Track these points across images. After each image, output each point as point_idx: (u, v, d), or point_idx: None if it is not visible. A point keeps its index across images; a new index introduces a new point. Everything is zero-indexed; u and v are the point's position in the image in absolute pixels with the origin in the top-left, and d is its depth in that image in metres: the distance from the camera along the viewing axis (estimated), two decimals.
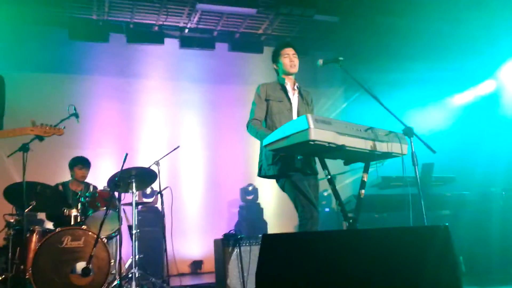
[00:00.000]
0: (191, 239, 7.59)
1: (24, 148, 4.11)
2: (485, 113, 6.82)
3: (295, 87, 3.85)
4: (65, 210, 4.71)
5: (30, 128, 3.85)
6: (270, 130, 3.49)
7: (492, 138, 6.46)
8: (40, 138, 3.93)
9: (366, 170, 3.52)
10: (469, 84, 6.99)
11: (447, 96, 7.27)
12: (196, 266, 7.57)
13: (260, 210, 7.81)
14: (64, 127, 4.05)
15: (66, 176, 5.78)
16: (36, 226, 4.66)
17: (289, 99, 3.76)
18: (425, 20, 7.10)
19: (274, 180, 3.72)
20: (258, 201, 7.88)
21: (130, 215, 5.06)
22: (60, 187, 5.41)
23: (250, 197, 7.84)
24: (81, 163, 5.60)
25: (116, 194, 4.88)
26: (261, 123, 3.71)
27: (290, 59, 3.78)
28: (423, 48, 7.44)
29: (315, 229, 3.38)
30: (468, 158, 6.46)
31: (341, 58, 3.62)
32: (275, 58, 3.88)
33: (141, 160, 6.04)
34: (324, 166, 3.31)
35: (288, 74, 3.83)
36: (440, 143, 5.99)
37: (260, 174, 3.75)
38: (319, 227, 3.51)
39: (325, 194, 8.05)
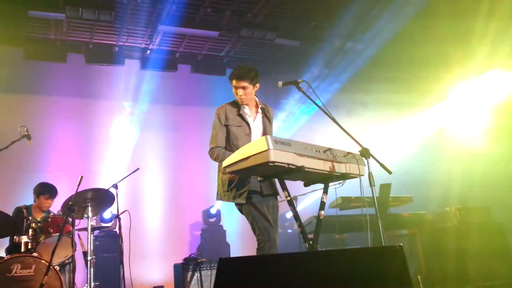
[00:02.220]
0: (151, 264, 7.38)
1: None
2: (439, 134, 7.08)
3: (258, 110, 3.78)
4: (15, 237, 4.47)
5: None
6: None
7: (446, 159, 6.69)
8: None
9: (325, 191, 3.54)
10: (423, 106, 7.25)
11: (403, 117, 7.51)
12: None
13: (222, 233, 7.73)
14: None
15: (18, 200, 5.51)
16: None
17: (247, 123, 3.69)
18: (382, 44, 7.37)
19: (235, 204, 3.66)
20: (220, 223, 7.80)
21: (84, 240, 4.86)
22: (25, 211, 5.11)
23: (212, 220, 7.75)
24: (49, 193, 5.29)
25: (70, 219, 4.68)
26: (223, 149, 3.63)
27: (238, 93, 3.66)
28: (380, 71, 7.70)
29: (273, 252, 3.33)
30: (424, 179, 6.65)
31: (299, 80, 3.65)
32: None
33: (98, 183, 5.87)
34: (284, 188, 3.31)
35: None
36: (397, 163, 6.17)
37: (217, 198, 3.71)
38: (280, 249, 3.49)
39: (287, 215, 8.07)
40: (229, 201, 3.60)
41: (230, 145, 3.64)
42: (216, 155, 3.58)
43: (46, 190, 5.30)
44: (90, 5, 6.63)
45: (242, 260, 2.25)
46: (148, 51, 8.20)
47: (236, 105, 3.74)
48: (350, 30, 7.40)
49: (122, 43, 7.89)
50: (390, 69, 7.23)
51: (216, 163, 3.70)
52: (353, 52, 7.90)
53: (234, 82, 3.66)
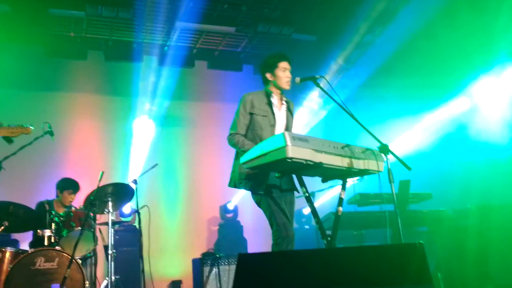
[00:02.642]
0: (169, 258, 7.48)
1: None
2: (460, 130, 6.96)
3: (283, 102, 3.76)
4: (39, 231, 4.57)
5: None
6: (255, 144, 3.37)
7: (468, 155, 6.57)
8: (8, 139, 3.74)
9: (343, 187, 3.53)
10: (443, 101, 7.14)
11: (423, 112, 7.41)
12: (175, 286, 7.43)
13: (239, 228, 7.76)
14: (32, 127, 3.85)
15: (41, 195, 5.63)
16: (8, 247, 4.51)
17: (273, 114, 3.66)
18: (400, 38, 7.28)
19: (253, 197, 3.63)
20: (238, 219, 7.83)
21: (105, 234, 4.95)
22: (47, 206, 5.22)
23: (230, 215, 7.80)
24: (72, 188, 5.38)
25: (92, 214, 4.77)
26: (243, 137, 3.60)
27: (286, 74, 3.65)
28: (400, 65, 7.61)
29: (291, 248, 3.33)
30: (443, 176, 6.55)
31: (317, 76, 3.62)
32: (270, 68, 3.69)
33: (118, 179, 5.96)
34: (302, 184, 3.30)
35: (279, 89, 3.72)
36: (417, 159, 6.10)
37: (230, 185, 3.66)
38: (297, 244, 3.49)
39: (304, 211, 8.07)
40: (245, 189, 3.56)
41: (253, 134, 3.59)
42: (235, 141, 3.54)
43: (69, 185, 5.38)
44: (109, 3, 6.71)
45: (262, 256, 2.27)
46: (166, 48, 8.25)
47: (265, 95, 3.70)
48: (369, 24, 7.31)
49: (140, 40, 7.96)
50: (410, 63, 7.12)
51: (233, 151, 3.68)
52: (372, 46, 7.81)
53: (285, 64, 3.66)
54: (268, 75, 3.72)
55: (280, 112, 3.73)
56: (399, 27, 6.92)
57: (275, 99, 3.71)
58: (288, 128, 3.77)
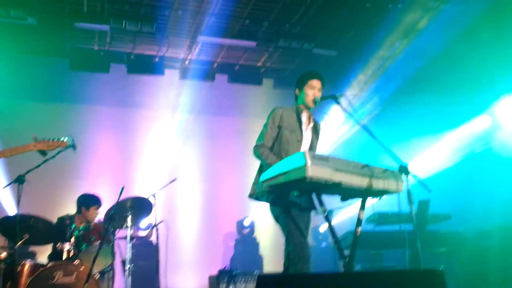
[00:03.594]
0: (186, 273, 7.46)
1: (19, 179, 4.06)
2: (481, 149, 6.84)
3: (311, 121, 3.78)
4: (58, 244, 4.61)
5: (33, 144, 3.77)
6: (280, 158, 3.37)
7: (488, 175, 6.44)
8: (43, 153, 3.83)
9: (362, 207, 3.48)
10: (465, 119, 7.04)
11: (445, 130, 7.30)
12: None
13: (256, 244, 7.72)
14: (67, 139, 3.92)
15: (61, 207, 5.69)
16: (27, 260, 4.56)
17: (301, 130, 3.68)
18: (422, 54, 7.23)
19: (270, 213, 3.60)
20: (254, 235, 7.79)
21: (123, 248, 4.97)
22: (68, 221, 5.20)
23: (246, 231, 7.76)
24: (98, 204, 5.25)
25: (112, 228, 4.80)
26: (269, 149, 3.60)
27: (314, 93, 3.68)
28: (422, 82, 7.53)
29: (307, 268, 3.29)
30: (464, 195, 6.43)
31: (338, 94, 3.61)
32: (300, 84, 3.75)
33: (137, 192, 5.99)
34: (321, 203, 3.28)
35: (306, 106, 3.74)
36: (438, 178, 5.99)
37: (251, 197, 3.62)
38: (314, 262, 3.44)
39: (321, 229, 7.99)
40: (267, 202, 3.54)
41: (280, 148, 3.59)
42: (261, 153, 3.53)
43: (95, 201, 5.24)
44: (133, 17, 6.83)
45: (281, 278, 2.25)
46: (187, 61, 8.35)
47: (295, 111, 3.74)
48: (390, 40, 7.28)
49: (162, 54, 8.07)
50: (433, 80, 7.05)
51: (252, 173, 3.68)
52: (394, 62, 7.75)
53: (315, 82, 3.70)
54: (297, 90, 3.79)
55: (306, 130, 3.74)
56: (422, 44, 6.88)
57: (304, 117, 3.73)
58: (312, 147, 3.77)
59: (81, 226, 5.13)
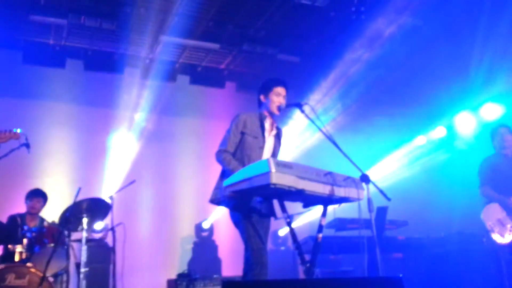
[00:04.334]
0: (143, 277, 7.26)
1: None
2: (439, 159, 7.13)
3: (274, 128, 3.83)
4: (10, 246, 4.41)
5: None
6: (242, 165, 3.41)
7: (447, 183, 6.70)
8: None
9: (324, 214, 3.57)
10: (423, 130, 7.30)
11: (404, 139, 7.55)
12: None
13: (215, 248, 7.66)
14: (20, 131, 3.85)
15: (13, 206, 5.47)
16: None
17: (263, 137, 3.72)
18: (384, 64, 7.45)
19: (229, 216, 3.61)
20: (213, 238, 7.73)
21: (77, 251, 4.81)
22: (18, 219, 5.07)
23: (205, 234, 7.69)
24: (33, 195, 5.35)
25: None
26: (231, 155, 3.61)
27: (279, 100, 3.73)
28: (382, 92, 7.75)
29: (264, 273, 3.32)
30: (422, 203, 6.66)
31: (302, 102, 3.67)
32: (265, 91, 3.79)
33: (93, 193, 5.80)
34: (284, 209, 3.31)
35: (270, 112, 3.78)
36: (396, 186, 6.18)
37: (213, 202, 3.63)
38: (273, 266, 3.50)
39: (280, 233, 8.05)
40: (227, 207, 3.56)
41: (242, 154, 3.61)
42: (223, 158, 3.55)
43: (30, 192, 5.35)
44: (92, 13, 6.62)
45: (247, 285, 2.24)
46: (148, 61, 8.17)
47: (258, 117, 3.77)
48: (353, 50, 7.45)
49: (122, 52, 7.86)
50: (393, 92, 7.28)
51: (212, 175, 3.69)
52: (357, 71, 7.93)
53: (280, 89, 3.75)
54: (262, 97, 3.83)
55: (269, 137, 3.79)
56: (384, 55, 7.08)
57: (267, 124, 3.77)
58: (274, 154, 3.82)
59: (34, 227, 4.97)
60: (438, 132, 7.22)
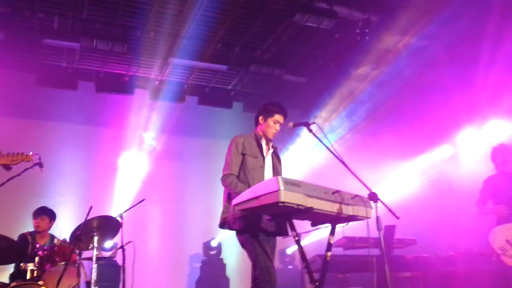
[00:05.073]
0: None
1: None
2: (446, 176, 7.11)
3: (270, 147, 3.90)
4: (22, 264, 4.46)
5: None
6: (247, 186, 3.46)
7: (454, 202, 6.68)
8: (7, 167, 3.76)
9: (332, 232, 3.58)
10: (430, 147, 7.32)
11: (411, 157, 7.56)
12: None
13: (222, 266, 7.65)
14: (31, 153, 3.89)
15: (27, 227, 5.52)
16: None
17: (263, 156, 3.79)
18: (390, 84, 7.52)
19: (236, 240, 3.64)
20: (221, 256, 7.73)
21: (87, 269, 4.84)
22: (29, 237, 5.11)
23: (213, 252, 7.70)
24: (37, 213, 5.36)
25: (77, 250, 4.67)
26: (236, 178, 3.67)
27: (276, 128, 3.82)
28: (389, 110, 7.80)
29: None
30: (430, 221, 6.64)
31: (310, 122, 3.73)
32: (266, 114, 3.86)
33: (104, 212, 5.86)
34: (292, 228, 3.34)
35: (264, 136, 3.87)
36: (404, 204, 6.18)
37: (223, 227, 3.67)
38: (281, 285, 3.49)
39: (288, 251, 8.02)
40: (238, 229, 3.57)
41: (245, 175, 3.67)
42: (229, 183, 3.60)
43: (38, 211, 5.36)
44: (104, 37, 6.80)
45: None
46: (157, 82, 8.33)
47: (254, 138, 3.85)
48: (359, 70, 7.54)
49: (132, 73, 8.03)
50: (399, 110, 7.32)
51: (219, 195, 3.73)
52: (363, 91, 8.01)
53: (279, 117, 3.82)
54: (260, 118, 3.89)
55: (266, 156, 3.85)
56: (389, 74, 7.16)
57: (264, 144, 3.86)
58: (276, 170, 3.87)
59: (45, 245, 5.03)
60: (445, 149, 7.25)
